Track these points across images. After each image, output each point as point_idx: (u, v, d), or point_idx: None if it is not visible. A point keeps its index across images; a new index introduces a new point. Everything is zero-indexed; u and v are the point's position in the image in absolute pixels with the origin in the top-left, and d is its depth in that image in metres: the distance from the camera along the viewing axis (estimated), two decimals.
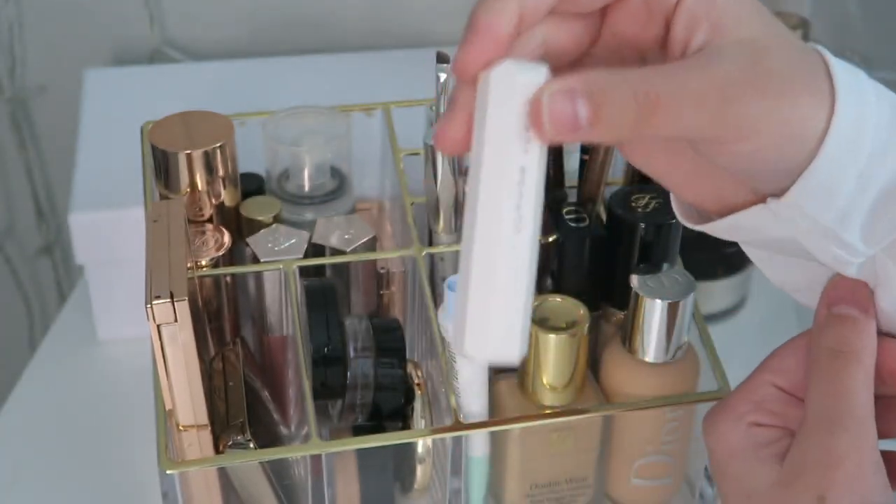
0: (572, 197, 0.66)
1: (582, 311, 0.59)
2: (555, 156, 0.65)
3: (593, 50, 0.44)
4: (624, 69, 0.39)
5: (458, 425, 0.56)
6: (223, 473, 0.58)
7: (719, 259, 0.82)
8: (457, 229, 0.66)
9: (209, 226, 0.66)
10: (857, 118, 0.40)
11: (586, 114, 0.37)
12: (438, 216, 0.64)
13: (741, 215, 0.43)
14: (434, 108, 0.64)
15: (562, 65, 0.43)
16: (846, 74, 0.41)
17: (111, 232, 0.78)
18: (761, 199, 0.43)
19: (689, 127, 0.39)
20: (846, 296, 0.45)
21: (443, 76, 0.61)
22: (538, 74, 0.38)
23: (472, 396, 0.57)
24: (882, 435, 0.44)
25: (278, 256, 0.64)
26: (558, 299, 0.59)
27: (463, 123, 0.39)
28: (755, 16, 0.41)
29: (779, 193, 0.41)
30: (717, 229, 0.45)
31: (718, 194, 0.44)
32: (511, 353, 0.38)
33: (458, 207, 0.64)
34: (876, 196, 0.41)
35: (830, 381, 0.44)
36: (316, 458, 0.56)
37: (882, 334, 0.45)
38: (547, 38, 0.42)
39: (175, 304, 0.53)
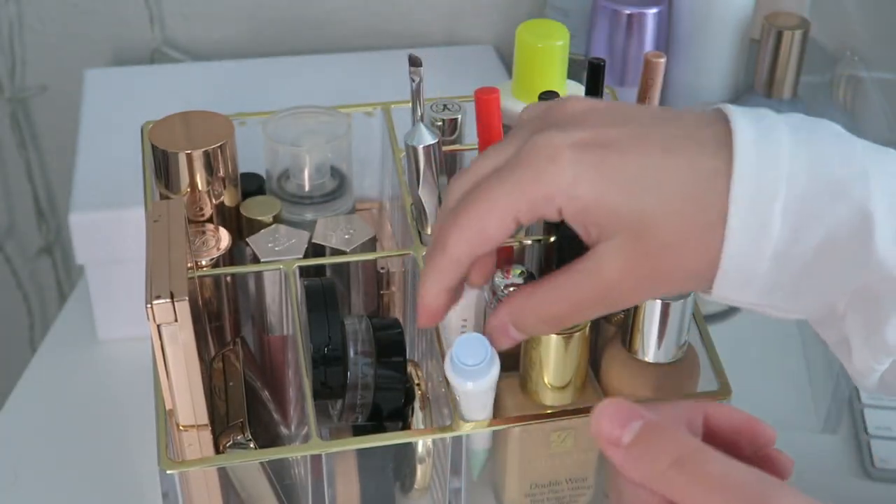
0: None
1: None
2: None
3: None
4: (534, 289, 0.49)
5: (458, 425, 0.56)
6: (223, 473, 0.58)
7: None
8: None
9: (209, 226, 0.66)
10: (758, 225, 0.44)
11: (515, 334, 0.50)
12: (425, 219, 0.64)
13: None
14: (412, 110, 0.64)
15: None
16: (752, 155, 0.44)
17: (111, 232, 0.78)
18: None
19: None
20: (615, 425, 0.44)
21: (416, 79, 0.61)
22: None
23: (474, 412, 0.57)
24: None
25: (278, 256, 0.64)
26: None
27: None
28: (624, 202, 0.45)
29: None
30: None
31: None
32: None
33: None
34: (798, 273, 0.45)
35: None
36: (316, 458, 0.56)
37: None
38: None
39: (175, 304, 0.52)
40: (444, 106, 0.73)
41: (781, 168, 0.44)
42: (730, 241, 0.44)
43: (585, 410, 0.59)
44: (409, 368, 0.62)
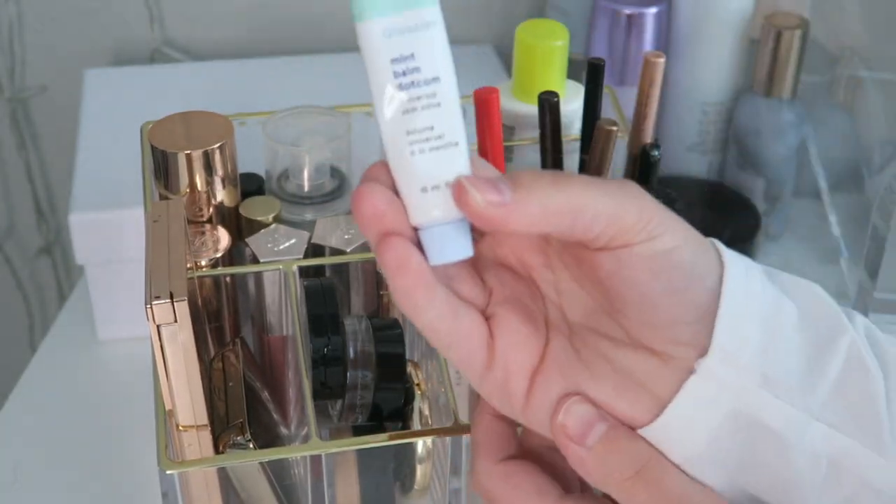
0: None
1: None
2: (555, 155, 0.65)
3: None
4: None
5: (458, 425, 0.56)
6: (223, 473, 0.58)
7: None
8: None
9: (209, 226, 0.66)
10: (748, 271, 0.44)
11: (508, 185, 0.41)
12: None
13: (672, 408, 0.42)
14: None
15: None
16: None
17: (111, 232, 0.78)
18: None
19: (604, 202, 0.41)
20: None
21: None
22: None
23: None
24: None
25: (278, 257, 0.64)
26: None
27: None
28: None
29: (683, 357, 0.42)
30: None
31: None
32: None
33: None
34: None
35: None
36: (316, 459, 0.56)
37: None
38: None
39: (175, 304, 0.52)
40: None
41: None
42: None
43: None
44: (409, 368, 0.62)
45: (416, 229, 0.42)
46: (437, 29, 0.41)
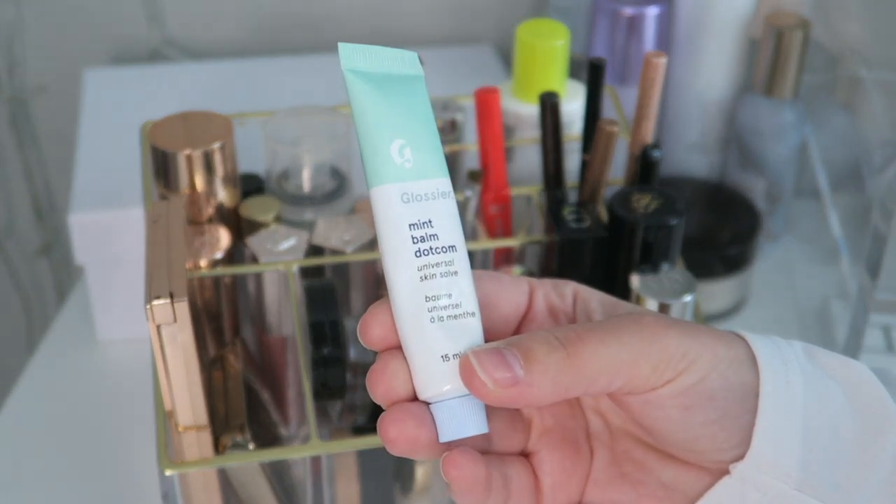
0: (572, 197, 0.66)
1: None
2: (555, 156, 0.65)
3: None
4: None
5: None
6: (223, 474, 0.58)
7: (720, 259, 0.82)
8: None
9: (209, 226, 0.66)
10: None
11: (519, 361, 0.38)
12: None
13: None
14: None
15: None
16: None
17: (111, 232, 0.78)
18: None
19: (621, 360, 0.39)
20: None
21: None
22: None
23: None
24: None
25: (278, 257, 0.64)
26: None
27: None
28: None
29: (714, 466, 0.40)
30: None
31: None
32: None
33: None
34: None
35: None
36: (316, 459, 0.56)
37: None
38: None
39: (174, 304, 0.52)
40: (444, 106, 0.73)
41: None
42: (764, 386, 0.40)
43: None
44: None
45: (426, 403, 0.40)
46: (451, 200, 0.41)
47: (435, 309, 0.39)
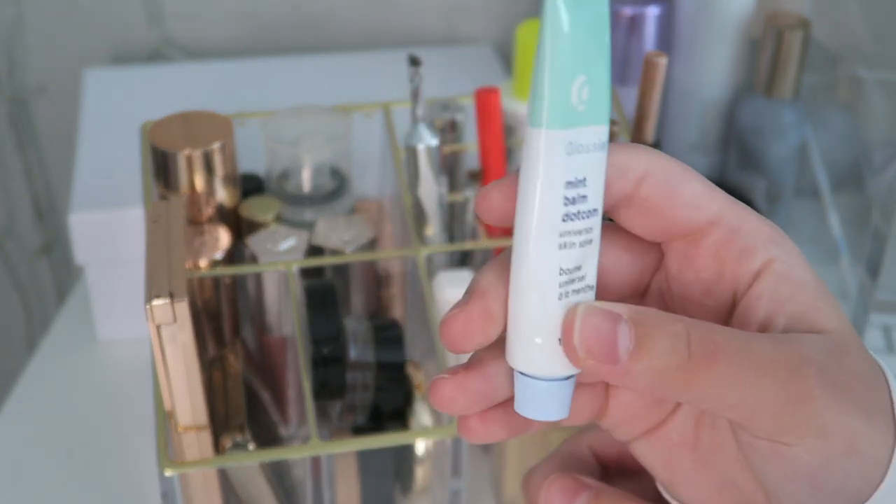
0: None
1: None
2: None
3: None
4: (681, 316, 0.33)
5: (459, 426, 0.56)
6: (223, 474, 0.58)
7: None
8: (447, 230, 0.66)
9: (209, 226, 0.66)
10: None
11: (627, 344, 0.32)
12: (426, 219, 0.64)
13: None
14: (412, 110, 0.64)
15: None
16: None
17: (111, 232, 0.78)
18: None
19: (745, 402, 0.32)
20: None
21: (416, 79, 0.61)
22: None
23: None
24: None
25: (278, 257, 0.64)
26: None
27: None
28: (836, 310, 0.36)
29: None
30: None
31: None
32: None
33: (443, 210, 0.65)
34: None
35: None
36: (316, 459, 0.56)
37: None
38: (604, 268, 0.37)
39: (174, 304, 0.52)
40: (444, 106, 0.73)
41: None
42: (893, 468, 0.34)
43: None
44: (409, 369, 0.62)
45: (513, 370, 0.35)
46: (605, 151, 0.34)
47: (565, 284, 0.33)
